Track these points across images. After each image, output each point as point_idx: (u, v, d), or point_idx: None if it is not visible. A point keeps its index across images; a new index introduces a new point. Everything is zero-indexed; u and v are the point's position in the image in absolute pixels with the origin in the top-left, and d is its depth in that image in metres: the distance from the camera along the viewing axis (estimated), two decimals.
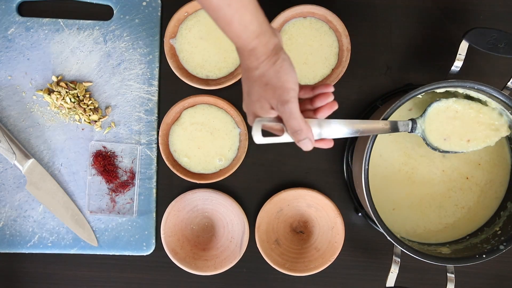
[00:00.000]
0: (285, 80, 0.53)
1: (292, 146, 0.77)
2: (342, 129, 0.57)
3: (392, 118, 0.63)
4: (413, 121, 0.64)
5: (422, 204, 0.73)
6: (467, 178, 0.73)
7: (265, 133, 0.54)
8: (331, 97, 0.56)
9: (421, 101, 0.72)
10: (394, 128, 0.62)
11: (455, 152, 0.66)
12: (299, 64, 0.75)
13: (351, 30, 0.74)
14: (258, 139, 0.53)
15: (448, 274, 0.65)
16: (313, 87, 0.57)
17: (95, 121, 0.75)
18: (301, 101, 0.56)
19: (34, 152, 0.76)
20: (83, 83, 0.76)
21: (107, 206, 0.76)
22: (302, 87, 0.57)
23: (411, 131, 0.64)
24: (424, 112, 0.65)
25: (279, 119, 0.55)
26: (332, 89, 0.56)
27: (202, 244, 0.77)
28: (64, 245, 0.76)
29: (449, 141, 0.65)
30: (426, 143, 0.65)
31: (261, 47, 0.53)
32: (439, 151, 0.66)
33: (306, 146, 0.55)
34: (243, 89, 0.57)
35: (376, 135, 0.63)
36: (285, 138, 0.55)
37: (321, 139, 0.56)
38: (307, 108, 0.58)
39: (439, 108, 0.65)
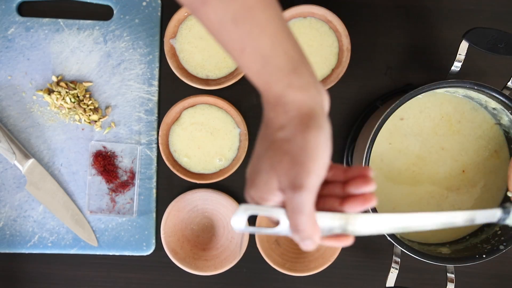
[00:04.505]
0: (313, 159, 0.39)
1: None
2: (380, 224, 0.43)
3: (388, 123, 0.62)
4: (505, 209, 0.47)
5: (422, 202, 0.73)
6: (463, 171, 0.72)
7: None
8: (371, 186, 0.41)
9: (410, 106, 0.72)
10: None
11: None
12: None
13: (351, 30, 0.74)
14: (240, 226, 0.42)
15: (448, 274, 0.65)
16: (345, 168, 0.43)
17: (95, 121, 0.75)
18: (327, 183, 0.44)
19: (34, 152, 0.76)
20: (83, 83, 0.76)
21: (107, 206, 0.76)
22: (332, 167, 0.44)
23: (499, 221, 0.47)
24: None
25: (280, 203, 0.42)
26: (370, 172, 0.41)
27: (202, 244, 0.77)
28: (64, 245, 0.76)
29: None
30: None
31: (292, 94, 0.39)
32: None
33: (306, 247, 0.42)
34: (255, 149, 0.43)
35: (377, 134, 0.63)
36: (279, 230, 0.42)
37: (337, 236, 0.43)
38: (333, 192, 0.43)
39: None
